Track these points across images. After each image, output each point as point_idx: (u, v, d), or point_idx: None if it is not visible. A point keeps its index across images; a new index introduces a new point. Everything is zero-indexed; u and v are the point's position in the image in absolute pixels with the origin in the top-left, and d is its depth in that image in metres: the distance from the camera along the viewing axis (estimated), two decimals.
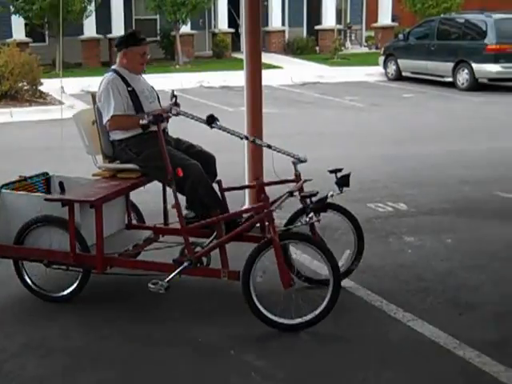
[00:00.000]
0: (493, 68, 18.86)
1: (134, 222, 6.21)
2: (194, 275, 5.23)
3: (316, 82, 21.85)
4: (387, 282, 5.81)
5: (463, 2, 29.03)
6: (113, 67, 5.94)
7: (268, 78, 20.39)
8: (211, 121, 5.56)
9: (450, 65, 19.75)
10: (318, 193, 5.22)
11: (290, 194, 5.28)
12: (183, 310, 5.31)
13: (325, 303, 4.84)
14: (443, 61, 19.96)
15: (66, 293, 5.44)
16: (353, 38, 32.56)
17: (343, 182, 5.38)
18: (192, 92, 19.12)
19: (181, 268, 5.04)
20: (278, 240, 4.82)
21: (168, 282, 4.95)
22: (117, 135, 5.74)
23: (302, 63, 26.68)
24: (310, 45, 29.70)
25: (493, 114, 15.52)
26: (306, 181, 5.49)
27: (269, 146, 5.58)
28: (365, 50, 31.45)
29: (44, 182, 5.98)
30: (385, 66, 22.78)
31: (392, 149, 11.58)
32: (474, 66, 19.03)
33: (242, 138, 5.73)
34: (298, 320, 4.85)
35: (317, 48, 30.03)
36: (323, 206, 5.28)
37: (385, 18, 30.99)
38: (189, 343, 4.76)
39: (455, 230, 7.21)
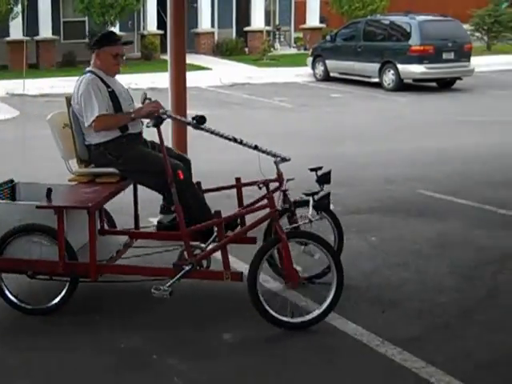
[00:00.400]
0: (417, 69, 19.20)
1: (106, 227, 6.02)
2: (196, 278, 5.16)
3: (245, 83, 21.87)
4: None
5: (389, 4, 29.54)
6: (88, 68, 5.76)
7: (197, 79, 20.43)
8: (202, 121, 5.36)
9: (377, 65, 20.02)
10: (328, 193, 5.22)
11: (284, 192, 5.27)
12: (105, 316, 5.23)
13: (329, 300, 4.90)
14: (370, 62, 20.23)
15: (51, 304, 5.20)
16: (282, 39, 32.66)
17: (324, 179, 5.40)
18: None
19: (183, 272, 4.97)
20: (285, 238, 4.81)
21: (169, 286, 4.88)
22: (94, 139, 5.57)
23: (231, 64, 26.68)
24: (239, 46, 29.70)
25: (417, 113, 15.79)
26: (289, 180, 5.45)
27: (256, 147, 5.47)
28: (294, 51, 31.60)
29: (7, 191, 5.68)
30: (313, 67, 22.94)
31: (319, 149, 11.65)
32: (400, 66, 19.34)
33: (230, 140, 5.51)
34: (306, 318, 4.90)
35: (246, 49, 30.04)
36: (327, 204, 5.24)
37: (313, 19, 31.20)
38: (112, 349, 4.68)
39: (380, 228, 7.30)
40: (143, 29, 29.25)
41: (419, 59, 19.11)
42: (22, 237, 5.13)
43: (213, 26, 30.21)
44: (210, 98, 18.61)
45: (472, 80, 20.41)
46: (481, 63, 22.88)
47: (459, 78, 20.14)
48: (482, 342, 4.70)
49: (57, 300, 5.18)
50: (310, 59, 23.31)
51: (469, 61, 19.89)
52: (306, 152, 11.31)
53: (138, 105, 5.77)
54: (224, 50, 29.28)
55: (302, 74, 23.67)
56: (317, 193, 5.17)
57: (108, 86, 5.63)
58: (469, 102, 17.66)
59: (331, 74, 22.25)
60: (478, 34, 30.28)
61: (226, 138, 5.42)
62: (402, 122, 14.55)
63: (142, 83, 21.02)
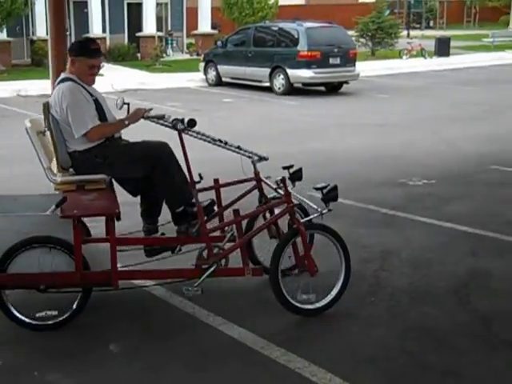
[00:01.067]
0: (306, 73, 19.47)
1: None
2: (219, 276, 5.24)
3: (137, 89, 21.58)
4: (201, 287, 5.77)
5: (278, 11, 29.92)
6: (66, 75, 5.52)
7: None
8: (193, 124, 5.39)
9: (267, 70, 20.19)
10: (329, 185, 5.27)
11: (275, 190, 5.47)
12: None
13: (338, 288, 5.18)
14: (260, 67, 20.38)
15: (62, 318, 4.93)
16: (174, 44, 32.53)
17: (296, 176, 5.50)
18: (8, 101, 18.35)
19: (210, 271, 5.10)
20: (304, 230, 5.01)
21: (198, 285, 5.00)
22: (79, 146, 5.37)
23: (124, 70, 26.32)
24: (131, 52, 29.37)
25: (305, 116, 16.00)
26: (268, 177, 5.60)
27: (239, 147, 5.76)
28: (186, 56, 31.55)
29: None
30: (205, 72, 22.92)
31: (207, 153, 11.59)
32: (289, 71, 19.56)
33: (215, 142, 5.63)
34: (319, 304, 5.12)
35: (138, 55, 29.76)
36: (335, 196, 5.27)
37: (205, 25, 31.22)
38: None
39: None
40: (32, 34, 28.51)
41: (307, 64, 19.39)
42: (29, 250, 4.82)
43: (104, 31, 29.74)
44: None
45: (358, 84, 20.90)
46: (366, 68, 23.49)
47: (346, 82, 20.59)
48: (363, 339, 4.78)
49: (68, 313, 4.94)
50: (202, 65, 23.27)
51: (354, 66, 20.33)
52: (193, 156, 11.25)
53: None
54: (116, 56, 28.88)
55: (194, 79, 23.61)
56: (326, 187, 5.25)
57: (91, 95, 5.48)
58: (355, 105, 18.05)
59: (223, 79, 22.29)
60: (362, 40, 31.06)
61: (211, 140, 5.64)
62: (290, 125, 14.70)
63: (32, 90, 20.52)
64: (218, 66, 22.19)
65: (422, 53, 30.65)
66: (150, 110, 5.61)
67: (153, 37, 29.36)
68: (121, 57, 28.80)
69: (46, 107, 5.44)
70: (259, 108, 17.70)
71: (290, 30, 20.29)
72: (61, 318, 4.92)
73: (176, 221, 5.53)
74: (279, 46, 20.37)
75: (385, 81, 23.40)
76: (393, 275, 5.98)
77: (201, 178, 5.46)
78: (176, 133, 5.36)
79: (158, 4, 30.48)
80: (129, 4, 31.07)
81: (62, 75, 5.57)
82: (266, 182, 5.61)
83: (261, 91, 20.35)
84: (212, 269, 5.11)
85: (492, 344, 4.68)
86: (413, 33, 41.84)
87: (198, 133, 5.50)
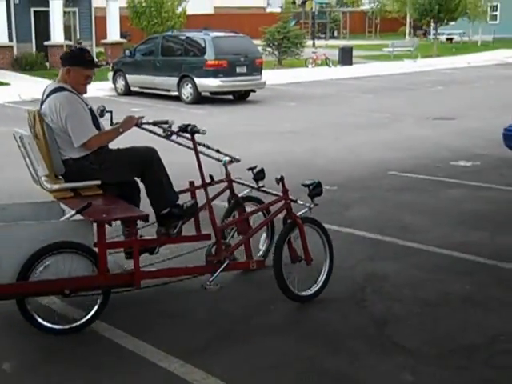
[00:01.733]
0: (213, 82, 19.44)
1: None
2: (230, 270, 5.55)
3: None
4: None
5: (186, 20, 29.81)
6: (60, 85, 5.46)
7: None
8: (196, 130, 5.83)
9: (175, 79, 20.06)
10: (314, 182, 5.58)
11: (258, 189, 5.88)
12: None
13: (324, 277, 5.61)
14: (168, 76, 20.23)
15: (83, 321, 4.95)
16: None
17: (259, 176, 5.90)
18: None
19: (224, 265, 5.38)
20: (301, 223, 5.39)
21: (212, 280, 5.25)
22: (74, 154, 5.39)
23: (32, 79, 25.63)
24: (39, 61, 28.67)
25: (213, 125, 15.87)
26: (238, 178, 6.05)
27: (218, 151, 6.10)
28: None
29: None
30: (114, 82, 22.59)
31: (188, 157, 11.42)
32: (197, 80, 19.50)
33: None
34: (311, 291, 5.52)
35: (47, 64, 29.07)
36: (320, 192, 5.60)
37: (113, 34, 30.79)
38: None
39: None
40: None
41: (214, 73, 19.36)
42: (50, 256, 4.78)
43: (11, 39, 28.92)
44: (10, 114, 17.74)
45: (265, 92, 21.02)
46: (272, 76, 23.69)
47: (253, 91, 20.66)
48: (262, 347, 4.75)
49: (89, 316, 4.97)
50: (110, 74, 22.93)
51: (260, 74, 20.43)
52: (176, 159, 11.07)
53: None
54: (24, 65, 28.14)
55: (103, 88, 23.20)
56: (312, 184, 5.56)
57: (86, 104, 5.51)
58: (262, 113, 18.13)
59: (132, 89, 22.01)
60: (269, 49, 31.32)
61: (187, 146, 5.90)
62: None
63: None
64: (127, 76, 21.91)
65: (326, 62, 31.14)
66: (142, 117, 5.75)
67: (61, 46, 28.71)
68: (29, 66, 28.06)
69: (37, 116, 5.33)
70: (167, 117, 17.46)
71: (197, 39, 20.22)
72: (82, 321, 4.95)
73: (160, 222, 5.67)
74: (187, 55, 20.27)
75: (291, 89, 23.62)
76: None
77: (212, 179, 5.94)
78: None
79: (65, 12, 29.84)
80: (35, 12, 30.25)
81: (55, 84, 5.51)
82: (239, 182, 6.07)
83: (169, 100, 20.20)
84: (226, 263, 5.41)
85: (385, 347, 4.74)
86: (318, 42, 42.48)
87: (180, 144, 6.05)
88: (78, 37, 32.22)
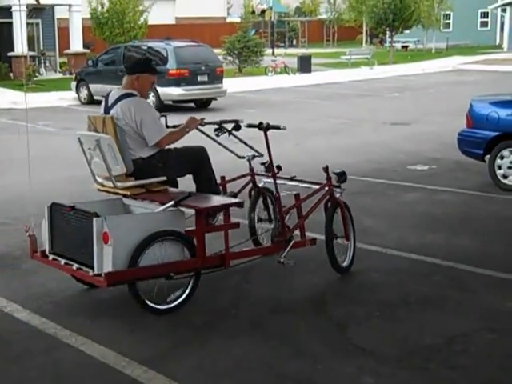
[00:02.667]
0: (175, 91, 19.31)
1: None
2: (294, 248, 6.05)
3: (10, 109, 20.74)
4: (63, 307, 5.52)
5: (148, 31, 29.62)
6: (129, 91, 5.82)
7: None
8: (238, 128, 6.49)
9: None
10: (342, 171, 6.23)
11: (291, 179, 6.48)
12: None
13: (352, 251, 6.28)
14: None
15: (179, 301, 5.34)
16: (47, 64, 31.55)
17: (269, 168, 6.30)
18: None
19: (291, 244, 6.01)
20: (342, 204, 6.14)
21: (285, 256, 5.88)
22: (144, 153, 5.74)
23: None
24: (3, 71, 28.19)
25: None
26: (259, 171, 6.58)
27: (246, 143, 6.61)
28: (59, 75, 30.63)
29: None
30: (77, 91, 22.33)
31: (80, 171, 11.14)
32: (159, 89, 19.30)
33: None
34: (347, 263, 6.22)
35: (11, 74, 28.62)
36: (345, 179, 6.25)
37: (76, 44, 30.42)
38: None
39: None
40: None
41: (176, 82, 19.23)
42: (154, 244, 5.15)
43: None
44: None
45: (226, 100, 20.93)
46: (233, 84, 23.62)
47: (214, 99, 20.59)
48: (224, 352, 4.67)
49: (184, 297, 5.35)
50: (73, 83, 22.66)
51: (221, 82, 20.36)
52: (65, 174, 10.91)
53: None
54: None
55: (67, 97, 22.97)
56: (340, 173, 6.21)
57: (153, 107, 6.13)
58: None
59: (95, 98, 21.72)
60: (230, 57, 31.28)
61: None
62: None
63: None
64: (90, 85, 21.66)
65: (285, 70, 31.19)
66: (203, 119, 6.23)
67: (25, 56, 28.29)
68: None
69: (108, 120, 5.60)
70: None
71: (158, 49, 20.06)
72: (178, 302, 5.33)
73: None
74: None
75: (252, 96, 23.60)
76: (255, 287, 5.92)
77: (280, 168, 6.28)
78: None
79: (28, 24, 29.42)
80: None
81: (122, 91, 5.84)
82: (261, 174, 6.60)
83: None
84: (292, 242, 6.06)
85: (346, 350, 4.68)
86: (277, 51, 42.58)
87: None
88: (42, 47, 31.85)
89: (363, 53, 38.98)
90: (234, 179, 6.78)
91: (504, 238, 7.38)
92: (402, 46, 49.33)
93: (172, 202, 5.33)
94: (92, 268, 5.10)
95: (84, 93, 22.00)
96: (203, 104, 20.59)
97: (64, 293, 5.78)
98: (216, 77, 20.07)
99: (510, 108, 9.51)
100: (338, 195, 6.28)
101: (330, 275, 6.18)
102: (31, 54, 29.14)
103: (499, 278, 6.08)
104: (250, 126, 6.57)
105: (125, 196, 5.80)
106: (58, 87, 25.54)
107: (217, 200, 5.81)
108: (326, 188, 6.29)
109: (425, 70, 34.24)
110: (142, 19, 29.63)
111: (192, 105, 20.74)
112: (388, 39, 43.66)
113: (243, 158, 6.62)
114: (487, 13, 52.95)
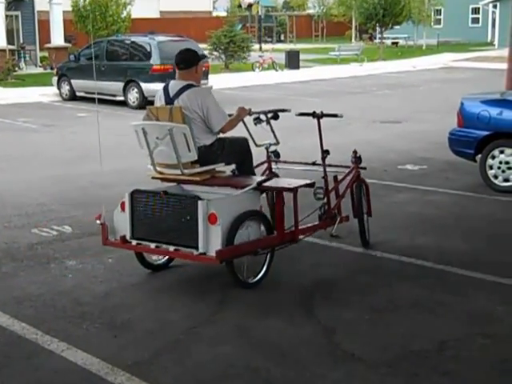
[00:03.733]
0: (159, 87, 18.75)
1: None
2: (340, 223, 6.82)
3: None
4: (44, 311, 5.49)
5: (131, 24, 29.51)
6: (189, 82, 6.16)
7: None
8: (276, 117, 7.27)
9: (121, 84, 19.86)
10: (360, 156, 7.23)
11: (313, 164, 7.24)
12: None
13: (368, 226, 7.14)
14: (114, 80, 20.00)
15: (260, 276, 5.96)
16: (27, 58, 31.39)
17: (276, 153, 7.26)
18: None
19: (338, 218, 6.80)
20: (366, 182, 7.13)
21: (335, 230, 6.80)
22: (207, 140, 6.15)
23: None
24: None
25: None
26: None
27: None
28: (40, 70, 30.50)
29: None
30: (59, 87, 22.24)
31: (62, 169, 11.24)
32: (143, 85, 19.32)
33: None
34: (368, 238, 7.14)
35: None
36: (361, 159, 7.18)
37: (57, 38, 30.27)
38: None
39: (117, 249, 7.05)
40: None
41: (160, 77, 19.08)
42: (245, 222, 5.73)
43: None
44: None
45: None
46: (219, 80, 23.58)
47: None
48: (209, 358, 4.66)
49: (263, 272, 6.00)
50: (55, 79, 22.58)
51: (207, 78, 20.27)
52: (47, 173, 10.86)
53: None
54: None
55: (48, 93, 22.89)
56: (359, 156, 7.16)
57: None
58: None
59: (78, 93, 21.69)
60: (216, 53, 31.23)
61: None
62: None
63: None
64: (72, 80, 21.60)
65: (273, 66, 31.19)
66: (250, 109, 6.75)
67: (4, 50, 28.16)
68: None
69: (176, 109, 5.90)
70: (113, 122, 17.30)
71: (142, 43, 20.05)
72: (259, 276, 5.98)
73: None
74: (132, 59, 20.08)
75: (238, 93, 23.57)
76: (241, 290, 5.87)
77: (328, 152, 6.96)
78: None
79: (7, 16, 29.26)
80: None
81: (182, 82, 6.16)
82: (274, 161, 7.23)
83: (115, 105, 19.97)
84: (339, 217, 6.79)
85: (334, 355, 4.69)
86: (264, 46, 42.56)
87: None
88: (22, 41, 31.68)
89: (352, 49, 39.07)
90: (256, 165, 7.01)
91: (495, 240, 7.42)
92: (392, 43, 49.48)
93: (255, 184, 5.98)
94: (195, 248, 5.56)
95: (66, 88, 21.93)
96: None
97: (45, 296, 5.76)
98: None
99: (500, 107, 9.56)
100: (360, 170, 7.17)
101: (317, 277, 6.20)
102: (10, 47, 28.99)
103: (491, 282, 6.11)
104: (302, 114, 7.41)
105: (184, 182, 6.26)
106: (39, 82, 25.44)
107: (290, 181, 6.34)
108: (354, 170, 7.07)
109: (415, 67, 34.38)
110: (125, 12, 29.54)
111: None
112: (378, 35, 43.81)
113: (261, 145, 7.12)
114: (478, 9, 53.21)
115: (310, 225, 6.65)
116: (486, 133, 9.58)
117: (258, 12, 48.82)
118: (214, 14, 58.24)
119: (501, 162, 9.44)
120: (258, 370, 4.48)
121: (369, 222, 7.12)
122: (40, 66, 31.33)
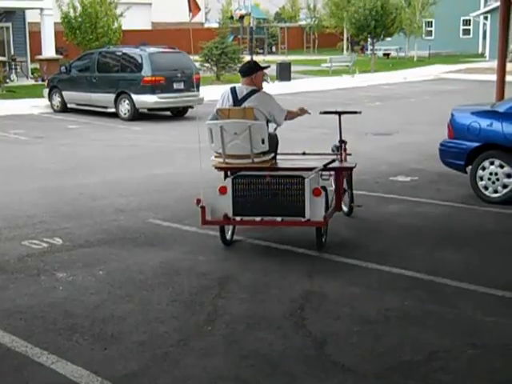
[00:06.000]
0: (150, 98, 19.32)
1: None
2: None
3: None
4: (35, 323, 5.49)
5: (122, 36, 29.54)
6: (254, 87, 7.54)
7: None
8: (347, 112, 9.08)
9: (112, 96, 19.87)
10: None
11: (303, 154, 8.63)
12: None
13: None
14: (105, 92, 20.03)
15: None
16: (18, 70, 31.41)
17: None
18: None
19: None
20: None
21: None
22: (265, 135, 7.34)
23: None
24: None
25: (150, 141, 15.85)
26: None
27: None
28: (31, 82, 30.51)
29: None
30: (50, 98, 22.22)
31: (52, 181, 11.24)
32: (134, 97, 19.34)
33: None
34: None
35: None
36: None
37: (49, 50, 30.30)
38: None
39: (108, 260, 7.10)
40: None
41: (152, 89, 19.26)
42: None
43: None
44: None
45: (203, 108, 20.80)
46: (211, 92, 23.56)
47: (191, 107, 20.59)
48: (199, 370, 4.67)
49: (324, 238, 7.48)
50: (46, 90, 22.57)
51: (198, 90, 20.32)
52: (38, 185, 10.86)
53: None
54: None
55: (39, 105, 22.88)
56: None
57: None
58: (200, 130, 18.00)
59: (69, 105, 21.71)
60: (207, 64, 31.31)
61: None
62: (135, 150, 14.50)
63: None
64: (63, 92, 21.60)
65: (264, 77, 31.24)
66: (307, 109, 8.32)
67: None
68: None
69: (248, 110, 7.28)
70: (105, 134, 17.35)
71: (133, 55, 20.08)
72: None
73: None
74: (124, 71, 20.10)
75: None
76: (231, 302, 5.93)
77: (345, 142, 8.59)
78: None
79: None
80: None
81: (248, 88, 7.53)
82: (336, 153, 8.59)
83: (107, 117, 20.00)
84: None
85: (325, 367, 4.70)
86: (256, 58, 42.66)
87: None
88: (13, 52, 31.69)
89: (344, 60, 39.27)
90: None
91: (485, 251, 7.46)
92: (384, 54, 49.74)
93: (321, 166, 7.62)
94: (302, 216, 7.03)
95: (57, 100, 21.93)
96: (179, 112, 20.63)
97: (35, 309, 5.76)
98: (193, 84, 20.03)
99: (491, 118, 9.63)
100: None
101: (308, 289, 6.22)
102: (1, 59, 29.03)
103: (480, 292, 6.15)
104: (325, 112, 9.00)
105: (253, 169, 7.41)
106: (30, 94, 25.45)
107: (343, 163, 8.19)
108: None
109: (407, 79, 34.54)
110: (116, 24, 29.57)
111: (168, 113, 20.76)
112: (369, 46, 44.02)
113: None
114: (469, 20, 53.56)
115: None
116: (476, 144, 9.65)
117: (249, 24, 48.98)
118: (206, 25, 58.42)
119: (491, 174, 9.50)
120: (247, 382, 4.50)
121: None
122: (31, 78, 31.35)
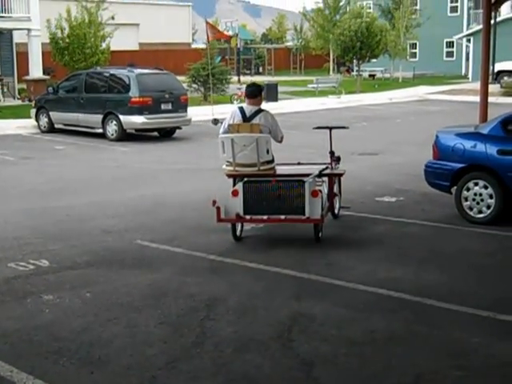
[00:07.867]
0: (138, 119, 19.31)
1: None
2: None
3: None
4: (21, 347, 5.45)
5: (110, 57, 29.56)
6: (259, 107, 8.85)
7: None
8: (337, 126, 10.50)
9: (100, 117, 19.84)
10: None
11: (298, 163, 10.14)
12: None
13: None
14: (93, 113, 20.00)
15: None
16: (5, 90, 31.33)
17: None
18: None
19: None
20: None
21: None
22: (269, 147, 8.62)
23: None
24: None
25: (138, 162, 15.82)
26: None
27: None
28: (18, 102, 30.42)
29: None
30: (37, 119, 22.16)
31: (39, 202, 11.18)
32: (122, 117, 19.33)
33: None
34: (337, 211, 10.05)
35: None
36: (339, 159, 10.14)
37: (36, 70, 30.26)
38: None
39: (94, 282, 7.06)
40: None
41: (139, 110, 19.24)
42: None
43: None
44: None
45: (191, 129, 20.97)
46: (198, 113, 23.63)
47: (179, 128, 20.61)
48: None
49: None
50: (33, 111, 22.49)
51: (186, 111, 20.40)
52: (24, 206, 10.81)
53: None
54: None
55: (26, 125, 22.79)
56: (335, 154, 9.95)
57: None
58: (188, 150, 18.08)
59: (56, 126, 21.65)
60: (194, 85, 31.37)
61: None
62: (122, 171, 14.46)
63: None
64: (50, 113, 21.55)
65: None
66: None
67: None
68: None
69: (256, 126, 8.51)
70: (92, 155, 17.31)
71: (121, 76, 20.09)
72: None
73: None
74: (111, 92, 20.09)
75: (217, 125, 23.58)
76: (219, 324, 5.90)
77: (334, 154, 9.99)
78: None
79: None
80: None
81: (254, 107, 8.79)
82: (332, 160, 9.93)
83: (94, 137, 19.96)
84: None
85: None
86: (243, 78, 42.81)
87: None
88: (0, 73, 31.62)
89: (330, 81, 39.39)
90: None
91: (471, 272, 7.48)
92: (370, 75, 50.00)
93: (317, 172, 8.84)
94: (302, 214, 8.16)
95: (44, 121, 21.87)
96: (167, 133, 20.63)
97: (21, 332, 5.71)
98: (180, 105, 20.12)
99: (475, 140, 9.70)
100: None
101: (295, 311, 6.21)
102: None
103: (467, 313, 6.16)
104: (318, 127, 10.58)
105: (259, 176, 8.55)
106: (17, 115, 25.36)
107: (336, 171, 9.57)
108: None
109: (392, 100, 34.73)
110: (104, 44, 29.61)
111: (155, 134, 20.76)
112: (355, 68, 44.25)
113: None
114: (453, 43, 54.00)
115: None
116: (460, 165, 9.71)
117: (236, 45, 49.17)
118: (193, 46, 58.61)
119: (475, 194, 9.55)
120: None
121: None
122: (18, 98, 31.25)
